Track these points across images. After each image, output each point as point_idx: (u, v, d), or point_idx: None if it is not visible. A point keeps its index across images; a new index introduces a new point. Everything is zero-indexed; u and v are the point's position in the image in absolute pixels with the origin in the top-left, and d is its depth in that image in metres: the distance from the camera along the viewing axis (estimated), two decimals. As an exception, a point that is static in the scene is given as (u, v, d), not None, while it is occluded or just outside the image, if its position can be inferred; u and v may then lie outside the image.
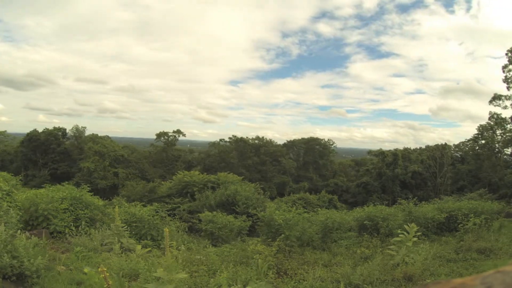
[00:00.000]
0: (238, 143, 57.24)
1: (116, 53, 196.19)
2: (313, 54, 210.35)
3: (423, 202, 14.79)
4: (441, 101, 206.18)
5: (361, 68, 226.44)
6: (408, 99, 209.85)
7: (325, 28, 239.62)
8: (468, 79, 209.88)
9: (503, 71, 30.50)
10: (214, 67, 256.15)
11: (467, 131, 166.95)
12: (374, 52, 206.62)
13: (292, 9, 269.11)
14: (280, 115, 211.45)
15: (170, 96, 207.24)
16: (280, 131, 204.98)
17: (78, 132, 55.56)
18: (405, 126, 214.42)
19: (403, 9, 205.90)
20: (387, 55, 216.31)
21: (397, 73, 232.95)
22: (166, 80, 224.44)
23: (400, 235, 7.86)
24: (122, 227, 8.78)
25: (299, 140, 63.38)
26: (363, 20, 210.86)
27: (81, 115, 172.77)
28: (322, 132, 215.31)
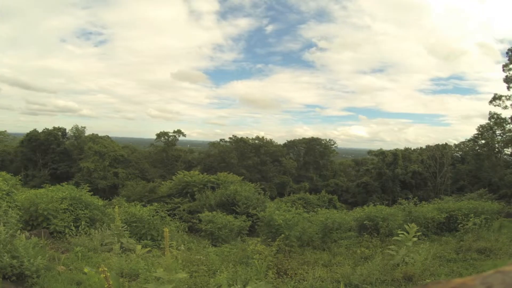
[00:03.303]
0: (238, 143, 57.25)
1: (66, 56, 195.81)
2: (250, 50, 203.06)
3: (423, 202, 14.79)
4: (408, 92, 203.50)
5: (319, 59, 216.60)
6: (377, 94, 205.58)
7: (241, 21, 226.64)
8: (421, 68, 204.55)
9: (503, 71, 30.50)
10: (164, 66, 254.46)
11: (450, 129, 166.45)
12: (312, 44, 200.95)
13: (195, 2, 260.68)
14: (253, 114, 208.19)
15: (131, 95, 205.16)
16: (250, 130, 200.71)
17: (78, 132, 55.58)
18: (384, 124, 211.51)
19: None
20: (324, 46, 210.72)
21: (359, 67, 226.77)
22: (125, 80, 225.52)
23: (400, 235, 7.86)
24: (122, 227, 8.79)
25: (299, 140, 63.45)
26: (272, 8, 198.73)
27: (53, 115, 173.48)
28: (301, 131, 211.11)
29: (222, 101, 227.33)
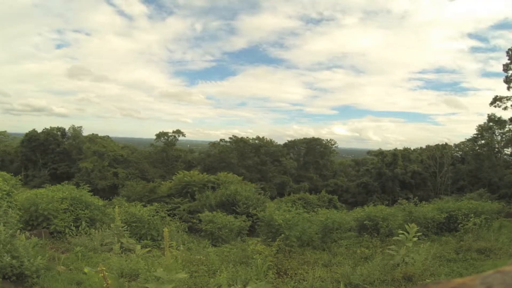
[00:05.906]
0: (238, 143, 57.28)
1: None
2: (197, 49, 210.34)
3: (423, 202, 14.79)
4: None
5: (290, 55, 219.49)
6: (351, 92, 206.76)
7: (172, 20, 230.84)
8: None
9: (504, 71, 30.52)
10: (125, 66, 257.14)
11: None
12: (260, 39, 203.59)
13: (123, 7, 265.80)
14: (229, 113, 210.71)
15: (108, 95, 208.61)
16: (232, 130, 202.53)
17: (75, 132, 55.57)
18: (369, 121, 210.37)
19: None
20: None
21: (329, 63, 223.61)
22: (96, 81, 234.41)
23: (400, 235, 7.86)
24: (122, 227, 8.78)
25: (300, 140, 63.54)
26: (194, 5, 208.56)
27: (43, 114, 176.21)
28: (282, 130, 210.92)
29: (197, 100, 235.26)
